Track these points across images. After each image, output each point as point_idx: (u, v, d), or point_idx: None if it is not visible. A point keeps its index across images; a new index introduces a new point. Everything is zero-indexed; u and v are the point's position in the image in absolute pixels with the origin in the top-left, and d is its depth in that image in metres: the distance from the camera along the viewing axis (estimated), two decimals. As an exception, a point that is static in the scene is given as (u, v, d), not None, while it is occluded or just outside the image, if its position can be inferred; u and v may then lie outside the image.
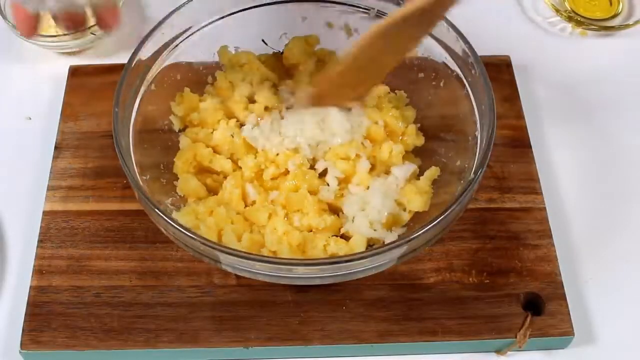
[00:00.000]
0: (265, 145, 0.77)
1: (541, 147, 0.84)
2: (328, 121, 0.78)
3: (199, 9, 0.78)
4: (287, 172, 0.77)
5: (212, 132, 0.79)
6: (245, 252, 0.66)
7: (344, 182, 0.77)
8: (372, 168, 0.78)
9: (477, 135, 0.74)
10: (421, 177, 0.77)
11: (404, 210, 0.76)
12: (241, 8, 0.80)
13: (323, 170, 0.78)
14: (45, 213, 0.78)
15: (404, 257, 0.68)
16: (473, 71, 0.74)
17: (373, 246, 0.74)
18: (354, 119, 0.78)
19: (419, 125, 0.81)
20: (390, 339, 0.71)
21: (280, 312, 0.72)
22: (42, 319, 0.72)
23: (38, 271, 0.75)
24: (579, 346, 0.73)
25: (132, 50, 0.74)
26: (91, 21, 0.76)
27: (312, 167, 0.77)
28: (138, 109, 0.76)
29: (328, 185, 0.76)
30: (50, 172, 0.81)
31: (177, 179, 0.77)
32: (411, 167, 0.78)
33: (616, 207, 0.81)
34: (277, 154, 0.77)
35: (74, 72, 0.88)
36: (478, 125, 0.74)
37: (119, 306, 0.73)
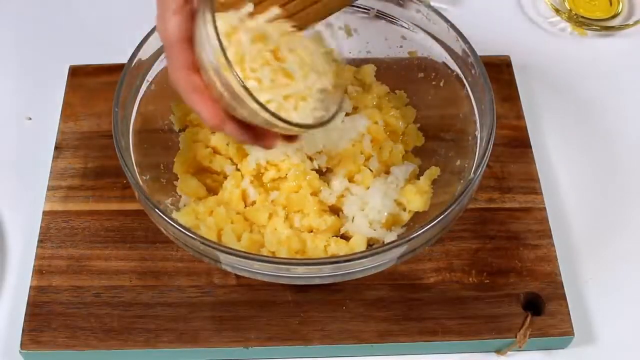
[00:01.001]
0: (267, 157, 0.76)
1: (541, 147, 0.84)
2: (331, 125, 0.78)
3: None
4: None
5: (212, 133, 0.79)
6: (245, 252, 0.66)
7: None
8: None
9: (477, 135, 0.74)
10: (421, 177, 0.77)
11: (404, 210, 0.76)
12: (241, 8, 0.81)
13: (324, 171, 0.78)
14: (45, 213, 0.78)
15: (404, 257, 0.68)
16: (473, 71, 0.74)
17: (373, 246, 0.74)
18: (356, 121, 0.78)
19: (419, 125, 0.82)
20: (390, 339, 0.71)
21: (280, 312, 0.72)
22: (42, 319, 0.72)
23: (38, 271, 0.75)
24: (579, 346, 0.73)
25: (132, 51, 0.74)
26: None
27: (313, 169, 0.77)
28: (138, 109, 0.76)
29: (327, 185, 0.76)
30: (50, 172, 0.81)
31: (177, 179, 0.77)
32: (411, 167, 0.78)
33: (616, 207, 0.81)
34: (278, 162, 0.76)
35: (74, 72, 0.88)
36: (478, 125, 0.74)
37: (119, 306, 0.73)
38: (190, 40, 0.59)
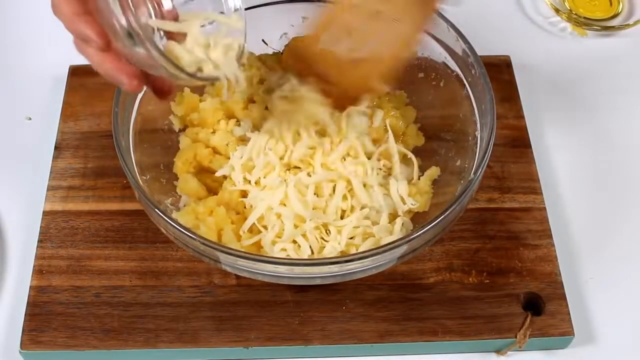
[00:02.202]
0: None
1: (541, 147, 0.84)
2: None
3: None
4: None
5: (212, 133, 0.79)
6: (245, 252, 0.66)
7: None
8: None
9: (477, 135, 0.74)
10: (421, 177, 0.77)
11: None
12: (241, 8, 0.81)
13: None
14: (45, 213, 0.78)
15: (404, 257, 0.68)
16: (473, 71, 0.74)
17: (373, 246, 0.74)
18: (358, 119, 0.78)
19: (419, 125, 0.81)
20: (390, 339, 0.71)
21: (280, 312, 0.72)
22: (42, 319, 0.72)
23: (38, 271, 0.75)
24: (579, 346, 0.73)
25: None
26: None
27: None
28: (138, 109, 0.75)
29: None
30: (50, 172, 0.81)
31: (177, 179, 0.77)
32: (411, 167, 0.78)
33: (616, 207, 0.81)
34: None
35: (74, 72, 0.88)
36: (478, 125, 0.74)
37: (119, 306, 0.73)
38: None
